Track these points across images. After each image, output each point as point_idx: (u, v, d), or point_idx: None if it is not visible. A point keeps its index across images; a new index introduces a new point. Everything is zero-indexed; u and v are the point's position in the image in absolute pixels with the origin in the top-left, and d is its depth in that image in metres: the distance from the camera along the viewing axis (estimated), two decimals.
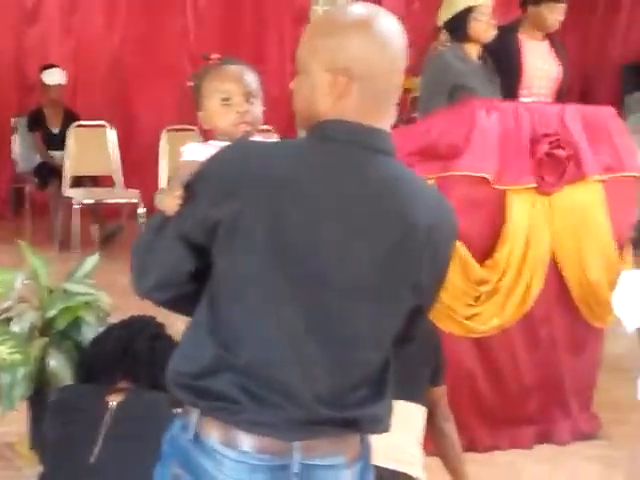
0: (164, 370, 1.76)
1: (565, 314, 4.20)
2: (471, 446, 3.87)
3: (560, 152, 4.02)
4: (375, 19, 1.72)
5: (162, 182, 7.39)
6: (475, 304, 3.97)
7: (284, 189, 1.65)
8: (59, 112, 8.06)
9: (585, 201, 4.13)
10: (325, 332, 1.67)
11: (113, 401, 2.80)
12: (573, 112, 4.17)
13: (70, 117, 7.98)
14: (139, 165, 8.49)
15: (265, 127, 6.29)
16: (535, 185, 4.01)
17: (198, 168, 1.74)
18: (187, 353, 1.72)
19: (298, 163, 1.69)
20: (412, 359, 2.46)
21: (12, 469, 3.57)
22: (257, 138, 2.13)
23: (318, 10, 9.66)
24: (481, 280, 3.94)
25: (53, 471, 2.83)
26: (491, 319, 3.99)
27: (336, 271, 1.67)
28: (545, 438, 4.22)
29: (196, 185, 1.71)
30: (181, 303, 1.79)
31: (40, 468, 2.94)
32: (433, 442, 2.99)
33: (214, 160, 1.73)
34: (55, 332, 3.35)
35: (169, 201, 1.72)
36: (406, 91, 7.37)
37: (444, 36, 4.62)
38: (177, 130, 7.76)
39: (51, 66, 8.11)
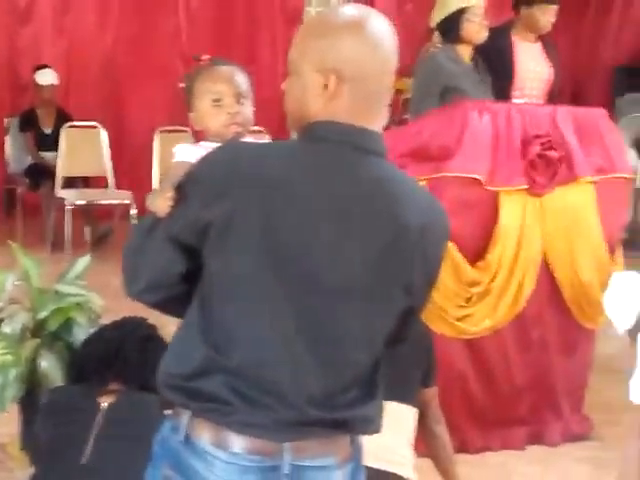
0: (155, 372, 1.76)
1: (557, 315, 4.21)
2: (462, 447, 3.87)
3: (552, 153, 4.03)
4: (367, 21, 1.72)
5: (155, 183, 7.38)
6: (467, 305, 3.97)
7: (276, 190, 1.65)
8: (51, 112, 8.05)
9: (576, 202, 4.14)
10: (316, 332, 1.67)
11: (104, 402, 2.80)
12: (565, 113, 4.18)
13: (62, 117, 7.97)
14: (131, 166, 8.48)
15: (257, 128, 6.30)
16: (527, 186, 4.02)
17: (189, 169, 1.74)
18: (178, 354, 1.72)
19: (290, 164, 1.69)
20: (404, 360, 2.46)
21: (4, 470, 3.56)
22: (248, 139, 2.13)
23: (311, 11, 9.68)
24: (473, 281, 3.95)
25: (44, 472, 2.82)
26: (483, 320, 4.00)
27: (328, 271, 1.67)
28: (536, 439, 4.23)
29: (187, 186, 1.71)
30: (172, 305, 1.79)
31: (31, 469, 2.93)
32: (424, 443, 3.00)
33: (205, 161, 1.73)
34: (46, 333, 3.34)
35: (160, 202, 1.72)
36: (398, 92, 7.38)
37: (437, 37, 4.63)
38: (170, 131, 7.75)
39: (44, 66, 8.11)
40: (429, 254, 1.77)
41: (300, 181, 1.67)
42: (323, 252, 1.67)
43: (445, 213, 1.82)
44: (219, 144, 1.81)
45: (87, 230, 7.75)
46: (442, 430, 2.97)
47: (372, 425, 1.78)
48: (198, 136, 2.23)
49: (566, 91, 8.34)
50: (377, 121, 1.75)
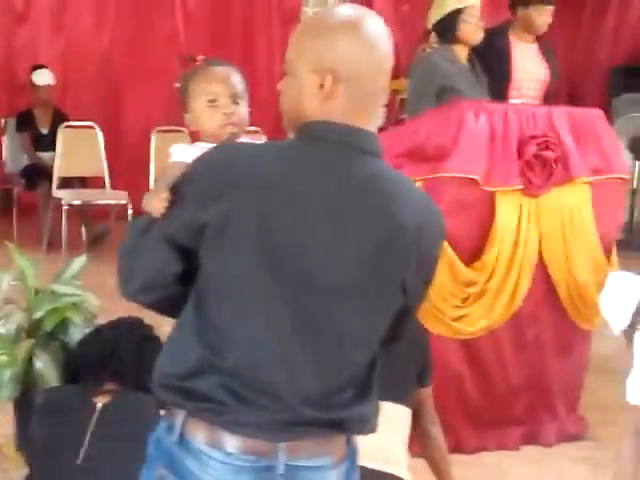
0: (151, 372, 1.76)
1: (552, 315, 4.22)
2: (458, 447, 3.88)
3: (548, 154, 4.03)
4: (363, 21, 1.72)
5: (152, 183, 7.38)
6: (463, 305, 3.97)
7: (272, 190, 1.65)
8: (48, 112, 8.05)
9: (572, 203, 4.15)
10: (312, 333, 1.67)
11: (100, 402, 2.80)
12: (561, 114, 4.18)
13: (59, 118, 7.96)
14: (128, 166, 8.47)
15: (253, 128, 6.29)
16: (523, 187, 4.02)
17: (185, 170, 1.74)
18: (173, 354, 1.72)
19: (285, 164, 1.69)
20: (399, 360, 2.46)
21: None
22: (244, 139, 2.13)
23: (308, 11, 9.68)
24: (469, 282, 3.95)
25: (40, 473, 2.82)
26: (479, 320, 4.00)
27: (324, 271, 1.67)
28: (532, 439, 4.23)
29: (182, 187, 1.71)
30: (167, 305, 1.78)
31: (27, 470, 2.93)
32: (419, 444, 2.99)
33: (200, 162, 1.73)
34: (42, 333, 3.33)
35: (155, 203, 1.72)
36: (395, 92, 7.39)
37: (434, 38, 4.64)
38: (166, 131, 7.75)
39: (41, 67, 8.11)
40: (425, 254, 1.77)
41: (296, 181, 1.67)
42: (319, 252, 1.67)
43: (441, 213, 1.83)
44: (215, 144, 1.82)
45: (83, 230, 7.74)
46: (437, 431, 2.97)
47: (368, 425, 1.78)
48: (195, 137, 2.24)
49: (562, 92, 8.35)
50: (373, 121, 1.75)
